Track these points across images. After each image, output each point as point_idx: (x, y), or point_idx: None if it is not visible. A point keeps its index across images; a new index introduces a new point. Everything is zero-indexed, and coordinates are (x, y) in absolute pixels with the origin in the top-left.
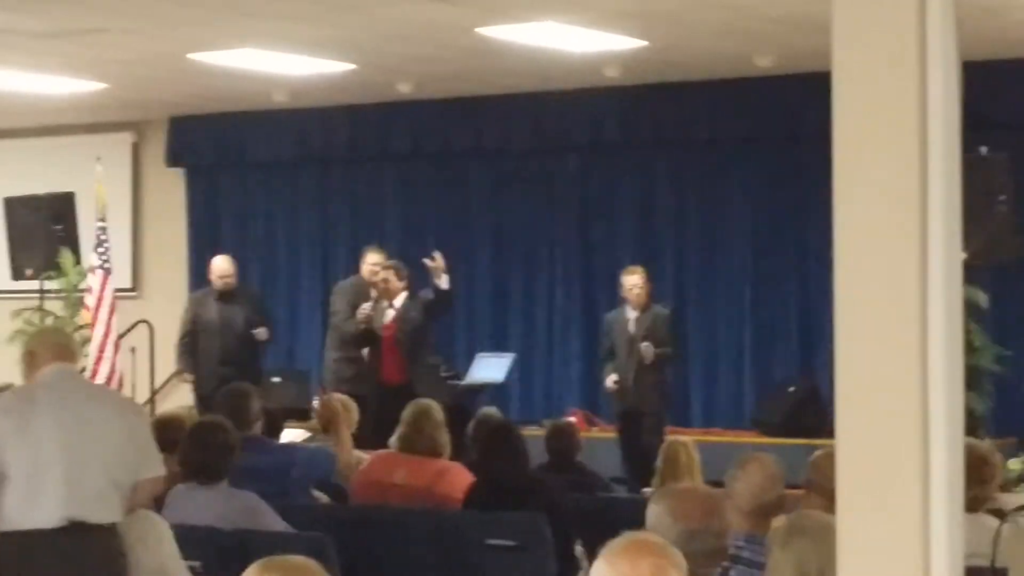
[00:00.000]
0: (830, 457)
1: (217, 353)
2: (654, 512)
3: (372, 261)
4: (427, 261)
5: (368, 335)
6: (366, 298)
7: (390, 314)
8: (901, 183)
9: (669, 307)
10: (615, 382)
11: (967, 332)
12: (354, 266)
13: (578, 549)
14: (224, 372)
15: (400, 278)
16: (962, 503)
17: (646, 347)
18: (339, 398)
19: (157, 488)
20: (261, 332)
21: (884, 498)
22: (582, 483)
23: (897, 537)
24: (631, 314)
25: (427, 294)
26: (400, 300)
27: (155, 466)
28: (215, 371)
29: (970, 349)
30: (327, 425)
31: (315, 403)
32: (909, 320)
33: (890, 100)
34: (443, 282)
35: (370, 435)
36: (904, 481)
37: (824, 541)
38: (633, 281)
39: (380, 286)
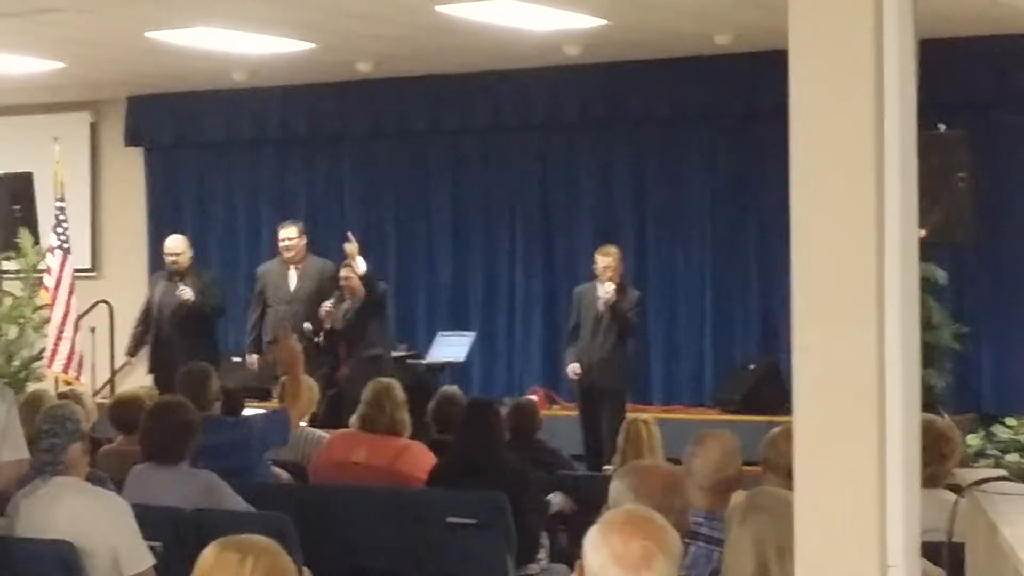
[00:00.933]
0: (786, 434)
1: (168, 333)
2: (616, 489)
3: (281, 236)
4: (345, 245)
5: (331, 333)
6: (280, 277)
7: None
8: (857, 160)
9: (638, 290)
10: (576, 373)
11: (926, 309)
12: (313, 245)
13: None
14: (175, 353)
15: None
16: (919, 479)
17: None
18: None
19: (20, 470)
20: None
21: (841, 474)
22: (543, 461)
23: (854, 513)
24: (601, 291)
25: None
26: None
27: (18, 449)
28: (168, 352)
29: (929, 326)
30: (286, 367)
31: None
32: (866, 297)
33: (846, 78)
34: (359, 265)
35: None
36: (860, 457)
37: (782, 517)
38: (607, 262)
39: (343, 284)
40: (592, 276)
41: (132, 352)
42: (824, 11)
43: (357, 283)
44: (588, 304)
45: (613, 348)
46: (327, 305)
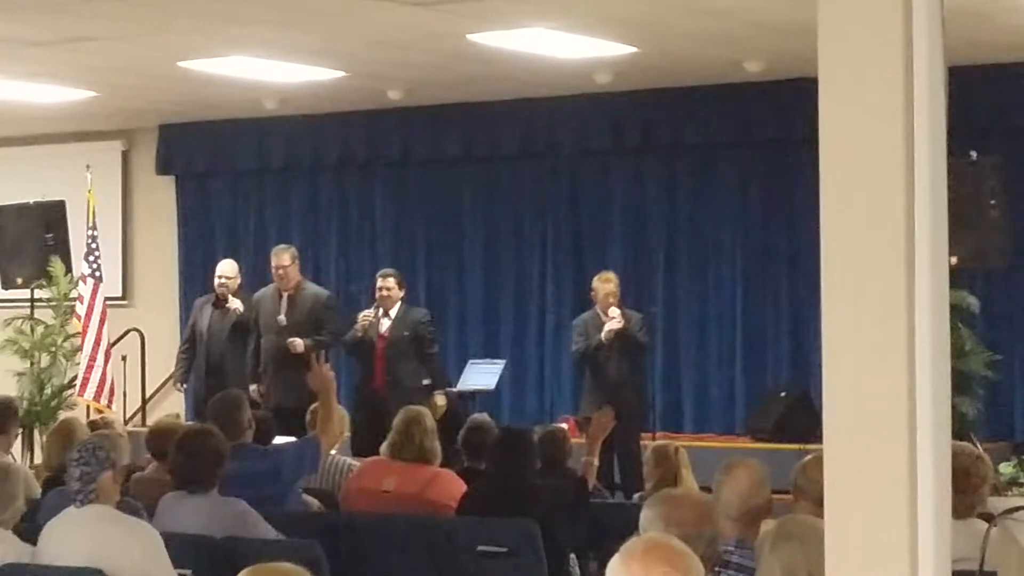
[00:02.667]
0: (817, 462)
1: (218, 359)
2: (647, 517)
3: (274, 264)
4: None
5: (362, 344)
6: (272, 302)
7: (385, 323)
8: (887, 188)
9: (642, 311)
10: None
11: (958, 336)
12: (345, 273)
13: (571, 558)
14: (210, 382)
15: (401, 287)
16: (950, 507)
17: (608, 328)
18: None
19: None
20: (234, 302)
21: (872, 503)
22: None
23: (885, 542)
24: (606, 321)
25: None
26: (395, 310)
27: None
28: (203, 380)
29: (961, 353)
30: (318, 393)
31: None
32: (896, 325)
33: (876, 105)
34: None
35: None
36: (891, 486)
37: (812, 545)
38: (609, 288)
39: (382, 294)
40: (587, 305)
41: (183, 380)
42: (854, 38)
43: (397, 294)
44: (596, 330)
45: (629, 370)
46: (368, 314)
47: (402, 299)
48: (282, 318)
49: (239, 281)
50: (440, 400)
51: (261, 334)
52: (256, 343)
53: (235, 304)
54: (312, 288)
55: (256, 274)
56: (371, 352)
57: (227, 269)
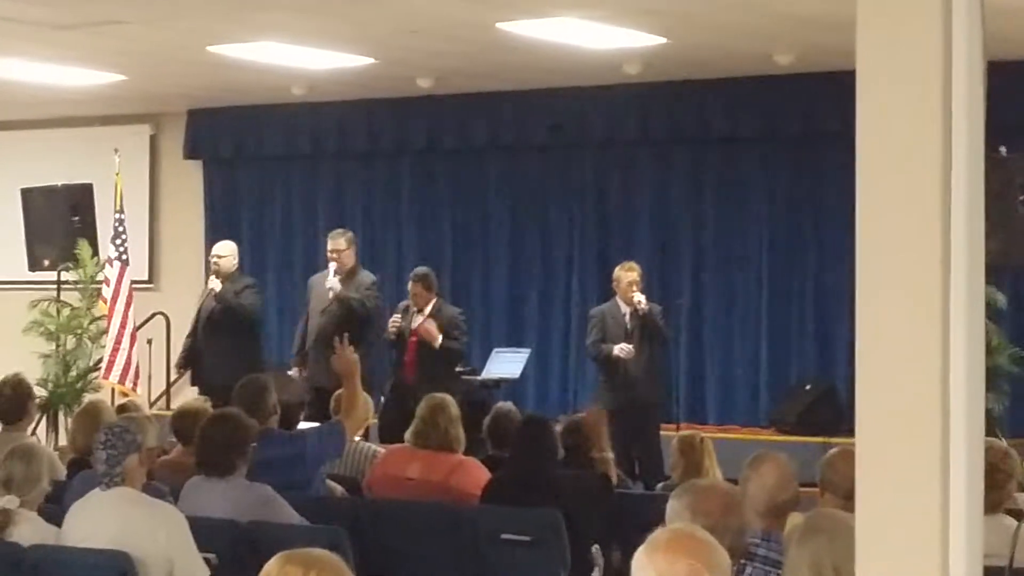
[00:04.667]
0: (844, 456)
1: (202, 340)
2: (673, 508)
3: (329, 247)
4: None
5: (397, 338)
6: (322, 285)
7: (418, 319)
8: (924, 182)
9: (668, 302)
10: (625, 350)
11: (985, 332)
12: (370, 260)
13: (594, 548)
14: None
15: (428, 289)
16: (981, 503)
17: (622, 348)
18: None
19: None
20: (213, 281)
21: (903, 497)
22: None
23: (916, 537)
24: (625, 307)
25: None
26: (429, 307)
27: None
28: (203, 359)
29: (988, 349)
30: (342, 377)
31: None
32: (930, 320)
33: (914, 100)
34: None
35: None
36: (924, 480)
37: (840, 539)
38: (633, 277)
39: (410, 298)
40: (610, 295)
41: (179, 364)
42: (892, 32)
43: (424, 296)
44: (615, 322)
45: (650, 361)
46: (396, 319)
47: (436, 296)
48: (326, 299)
49: (234, 261)
50: (431, 326)
51: (311, 316)
52: (304, 325)
53: (212, 284)
54: (362, 274)
55: (281, 259)
56: (404, 347)
57: (219, 247)
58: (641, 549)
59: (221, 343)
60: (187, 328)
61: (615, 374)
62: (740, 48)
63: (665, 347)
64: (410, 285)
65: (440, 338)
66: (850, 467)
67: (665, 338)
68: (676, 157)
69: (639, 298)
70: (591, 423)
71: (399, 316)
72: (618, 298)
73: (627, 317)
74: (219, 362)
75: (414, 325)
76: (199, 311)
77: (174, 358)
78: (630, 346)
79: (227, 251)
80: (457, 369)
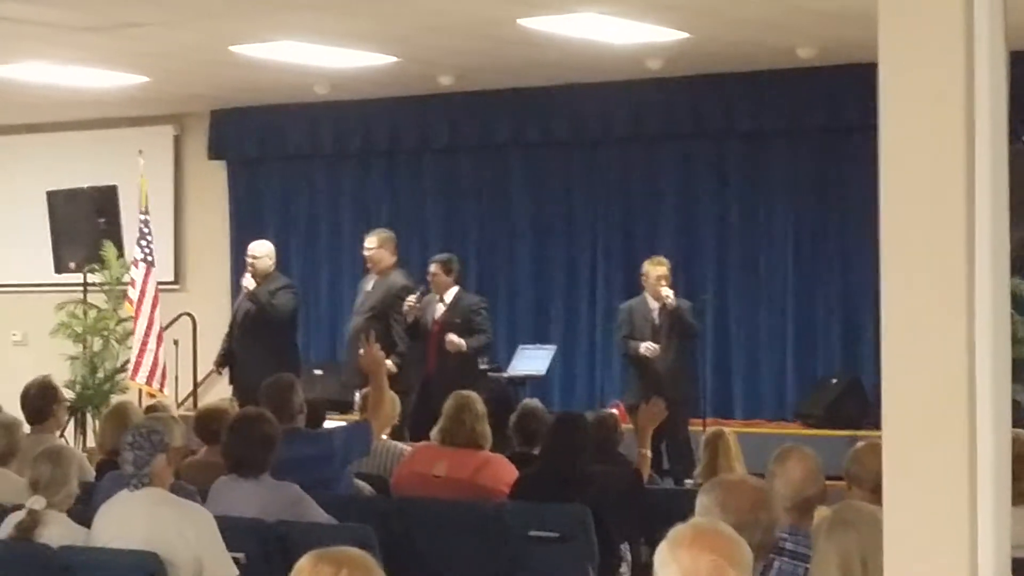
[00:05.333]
0: (871, 449)
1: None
2: (702, 503)
3: (364, 246)
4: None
5: (415, 328)
6: (364, 284)
7: (439, 308)
8: (948, 174)
9: (694, 298)
10: (650, 349)
11: (1011, 324)
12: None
13: (623, 544)
14: (246, 361)
15: (448, 272)
16: (1009, 495)
17: (647, 347)
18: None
19: None
20: (246, 279)
21: (930, 490)
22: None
23: (944, 528)
24: (654, 303)
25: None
26: (451, 295)
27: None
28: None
29: (1013, 341)
30: (369, 375)
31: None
32: (956, 311)
33: (937, 91)
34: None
35: (411, 428)
36: (950, 472)
37: (868, 531)
38: (662, 271)
39: (429, 279)
40: (638, 290)
41: (217, 363)
42: (914, 23)
43: (443, 279)
44: (642, 317)
45: (678, 356)
46: (411, 300)
47: (457, 284)
48: (361, 300)
49: (270, 262)
50: (452, 339)
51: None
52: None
53: (247, 283)
54: (395, 275)
55: (307, 259)
56: (427, 337)
57: (255, 248)
58: (663, 544)
59: (256, 344)
60: (213, 328)
61: (643, 369)
62: (762, 42)
63: (694, 343)
64: (430, 266)
65: (464, 344)
66: (877, 460)
67: (694, 333)
68: (700, 152)
69: (667, 293)
70: (648, 415)
71: (415, 298)
72: (646, 293)
73: (655, 312)
74: (254, 363)
75: (436, 315)
76: (235, 310)
77: (201, 358)
78: (656, 346)
79: (263, 251)
80: (482, 367)
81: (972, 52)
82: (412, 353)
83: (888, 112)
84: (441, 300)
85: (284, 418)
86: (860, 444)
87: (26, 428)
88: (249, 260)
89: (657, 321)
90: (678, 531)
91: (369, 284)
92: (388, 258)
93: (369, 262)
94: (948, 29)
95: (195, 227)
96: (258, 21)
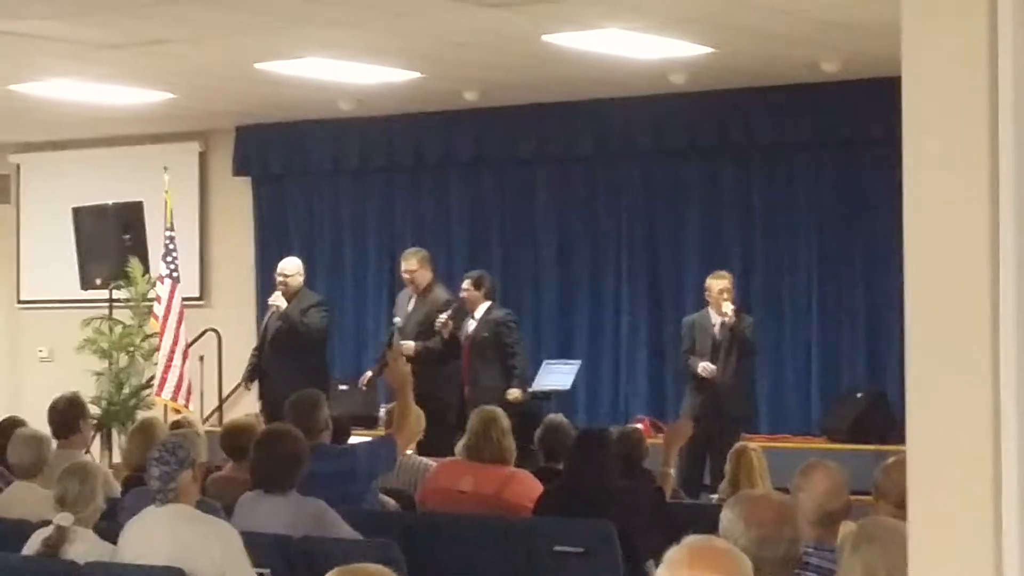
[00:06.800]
0: (899, 464)
1: (268, 358)
2: (727, 518)
3: (402, 268)
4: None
5: (451, 345)
6: (402, 301)
7: (471, 325)
8: (972, 187)
9: (752, 315)
10: (708, 370)
11: None
12: None
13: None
14: (276, 378)
15: (478, 288)
16: None
17: (704, 367)
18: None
19: None
20: (275, 297)
21: (955, 504)
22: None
23: (969, 543)
24: (716, 318)
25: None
26: (481, 311)
27: None
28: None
29: None
30: (394, 390)
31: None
32: (980, 325)
33: (961, 105)
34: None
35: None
36: (975, 487)
37: (893, 547)
38: (723, 285)
39: (462, 295)
40: (703, 304)
41: (246, 378)
42: (938, 37)
43: (473, 295)
44: (703, 331)
45: (736, 373)
46: (442, 318)
47: (488, 300)
48: (398, 320)
49: (300, 280)
50: (514, 393)
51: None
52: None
53: (276, 301)
54: (436, 292)
55: (332, 275)
56: (461, 353)
57: (285, 266)
58: (662, 568)
59: (286, 362)
60: (238, 344)
61: (700, 385)
62: (786, 56)
63: (752, 360)
64: (463, 284)
65: (516, 392)
66: (904, 475)
67: (752, 351)
68: (723, 166)
69: (728, 308)
70: (674, 434)
71: (446, 315)
72: (710, 308)
73: (716, 328)
74: (283, 379)
75: (469, 331)
76: (265, 327)
77: (226, 374)
78: (712, 367)
79: (293, 269)
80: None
81: (996, 66)
82: (449, 370)
83: (912, 126)
84: (472, 316)
85: (310, 434)
86: (890, 460)
87: (53, 444)
88: (280, 279)
89: (718, 336)
90: (674, 553)
91: (409, 303)
92: (427, 275)
93: (411, 283)
94: (972, 42)
95: (220, 243)
96: (283, 38)
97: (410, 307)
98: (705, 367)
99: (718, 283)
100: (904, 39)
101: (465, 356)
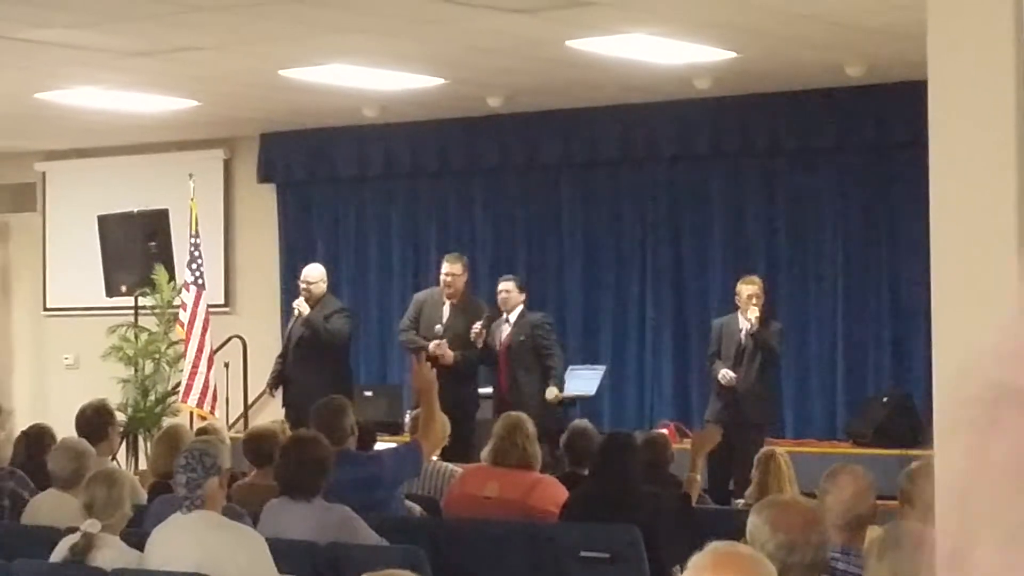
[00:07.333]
0: (926, 469)
1: (292, 365)
2: (754, 523)
3: (444, 271)
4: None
5: (487, 353)
6: (434, 308)
7: (505, 330)
8: (998, 191)
9: (780, 322)
10: (728, 378)
11: None
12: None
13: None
14: (300, 385)
15: (521, 291)
16: None
17: (724, 375)
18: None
19: None
20: (299, 303)
21: None
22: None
23: None
24: (743, 322)
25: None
26: (515, 314)
27: None
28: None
29: None
30: (420, 395)
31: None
32: None
33: (986, 108)
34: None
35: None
36: None
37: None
38: (752, 291)
39: (500, 296)
40: (733, 308)
41: (271, 384)
42: (963, 42)
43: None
44: (730, 335)
45: (758, 379)
46: (476, 327)
47: (523, 303)
48: (439, 328)
49: (324, 286)
50: (553, 392)
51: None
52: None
53: (300, 307)
54: (474, 300)
55: (356, 282)
56: (499, 359)
57: (309, 273)
58: (686, 573)
59: (310, 368)
60: (263, 351)
61: (722, 390)
62: (811, 60)
63: (776, 366)
64: (500, 284)
65: (554, 391)
66: (930, 480)
67: (774, 358)
68: (748, 171)
69: (753, 314)
70: (702, 440)
71: (480, 325)
72: (739, 312)
73: (742, 333)
74: (308, 386)
75: (503, 337)
76: (289, 334)
77: (251, 381)
78: (732, 375)
79: (316, 276)
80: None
81: (1021, 70)
82: (488, 379)
83: (937, 130)
84: (507, 320)
85: (335, 441)
86: (915, 464)
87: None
88: (303, 286)
89: (743, 342)
90: (698, 558)
91: (444, 311)
92: (464, 282)
93: (448, 287)
94: (997, 47)
95: (245, 250)
96: (307, 45)
97: (445, 314)
98: (725, 374)
99: (747, 288)
100: (930, 43)
101: (503, 360)
